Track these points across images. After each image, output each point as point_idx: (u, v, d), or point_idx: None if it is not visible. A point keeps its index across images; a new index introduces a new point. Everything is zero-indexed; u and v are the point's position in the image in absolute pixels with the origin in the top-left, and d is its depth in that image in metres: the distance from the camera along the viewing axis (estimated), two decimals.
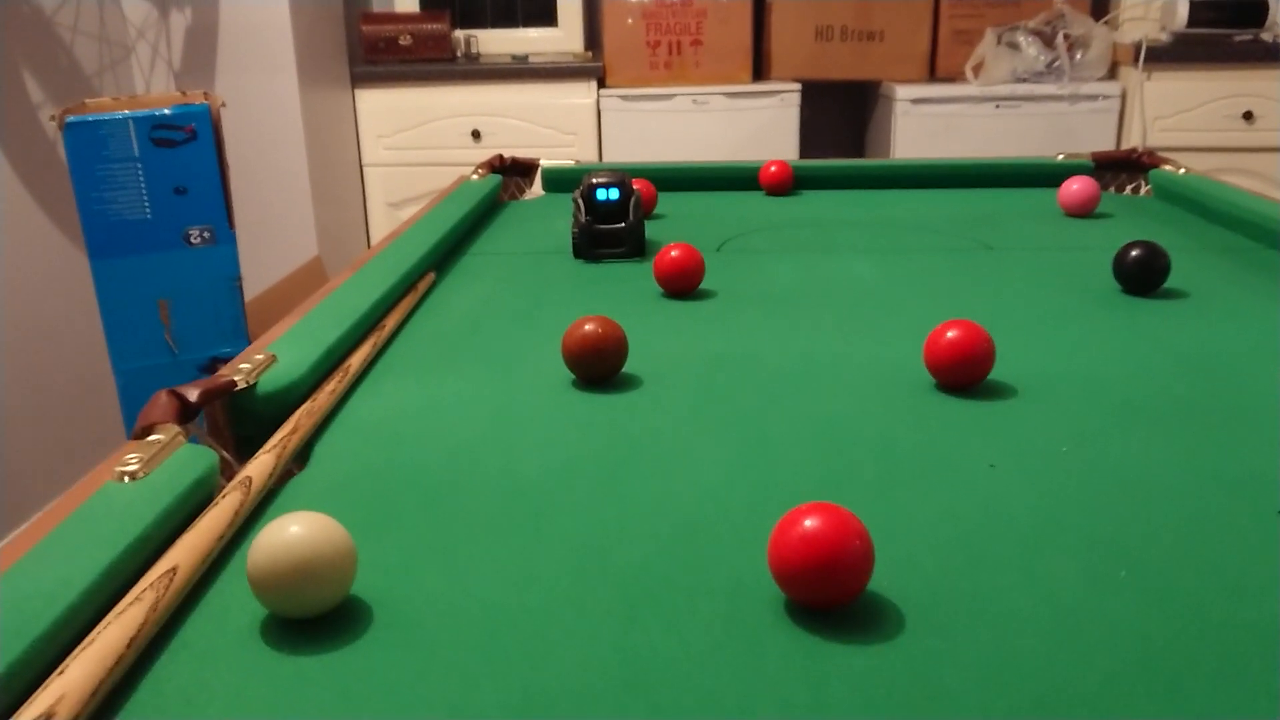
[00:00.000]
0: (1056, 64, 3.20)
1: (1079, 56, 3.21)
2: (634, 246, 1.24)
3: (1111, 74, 3.18)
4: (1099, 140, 3.16)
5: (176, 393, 0.69)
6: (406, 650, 0.50)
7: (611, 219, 1.23)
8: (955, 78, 3.24)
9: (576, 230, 1.24)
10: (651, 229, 1.43)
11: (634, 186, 1.25)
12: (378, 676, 0.48)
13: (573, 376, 0.86)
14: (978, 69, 3.21)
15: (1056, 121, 3.17)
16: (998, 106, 3.17)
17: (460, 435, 0.75)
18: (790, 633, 0.51)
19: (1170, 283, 1.10)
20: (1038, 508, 0.63)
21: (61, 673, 0.45)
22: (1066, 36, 3.21)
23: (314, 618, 0.53)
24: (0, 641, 0.46)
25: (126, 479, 0.60)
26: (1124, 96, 3.13)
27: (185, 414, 0.69)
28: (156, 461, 0.62)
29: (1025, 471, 0.68)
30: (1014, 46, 3.23)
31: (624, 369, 0.87)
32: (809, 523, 0.52)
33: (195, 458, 0.64)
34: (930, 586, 0.55)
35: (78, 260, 2.35)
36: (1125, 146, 3.17)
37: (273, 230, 2.86)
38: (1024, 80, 3.17)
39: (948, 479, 0.67)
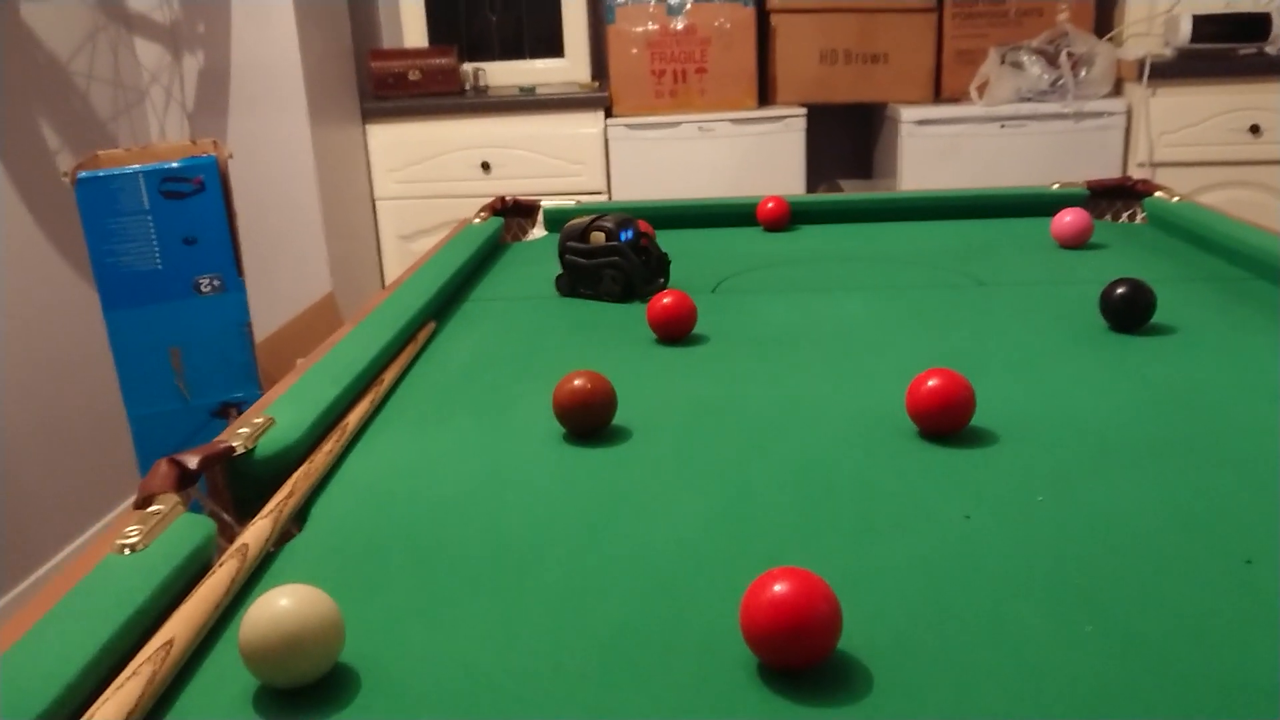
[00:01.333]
0: (1060, 82, 3.22)
1: (1083, 74, 3.22)
2: (625, 289, 1.27)
3: (1116, 91, 3.19)
4: (1105, 157, 3.17)
5: (177, 460, 0.72)
6: (391, 713, 0.52)
7: (602, 257, 1.27)
8: (960, 98, 3.26)
9: (620, 273, 1.26)
10: None
11: (633, 231, 1.28)
12: None
13: (562, 430, 0.88)
14: (982, 89, 3.23)
15: (1062, 140, 3.18)
16: (1003, 126, 3.19)
17: (449, 491, 0.78)
18: (760, 693, 0.53)
19: (1159, 316, 1.12)
20: (1010, 558, 0.65)
21: None
22: (1070, 54, 3.22)
23: (301, 687, 0.55)
24: (6, 717, 0.48)
25: (127, 551, 0.63)
26: (1129, 113, 3.14)
27: (185, 481, 0.72)
28: (156, 533, 0.65)
29: (1000, 521, 0.70)
30: (1018, 66, 3.25)
31: (614, 421, 0.90)
32: (777, 588, 0.54)
33: (193, 527, 0.66)
34: (899, 642, 0.57)
35: (90, 305, 2.40)
36: (1133, 161, 3.18)
37: (286, 267, 2.90)
38: (1028, 99, 3.18)
39: (923, 529, 0.69)
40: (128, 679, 0.53)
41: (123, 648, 0.56)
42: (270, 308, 2.84)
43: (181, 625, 0.58)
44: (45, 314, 2.22)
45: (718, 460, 0.81)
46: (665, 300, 1.10)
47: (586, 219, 1.28)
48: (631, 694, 0.53)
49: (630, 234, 1.26)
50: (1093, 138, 3.17)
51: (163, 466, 0.71)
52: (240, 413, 1.71)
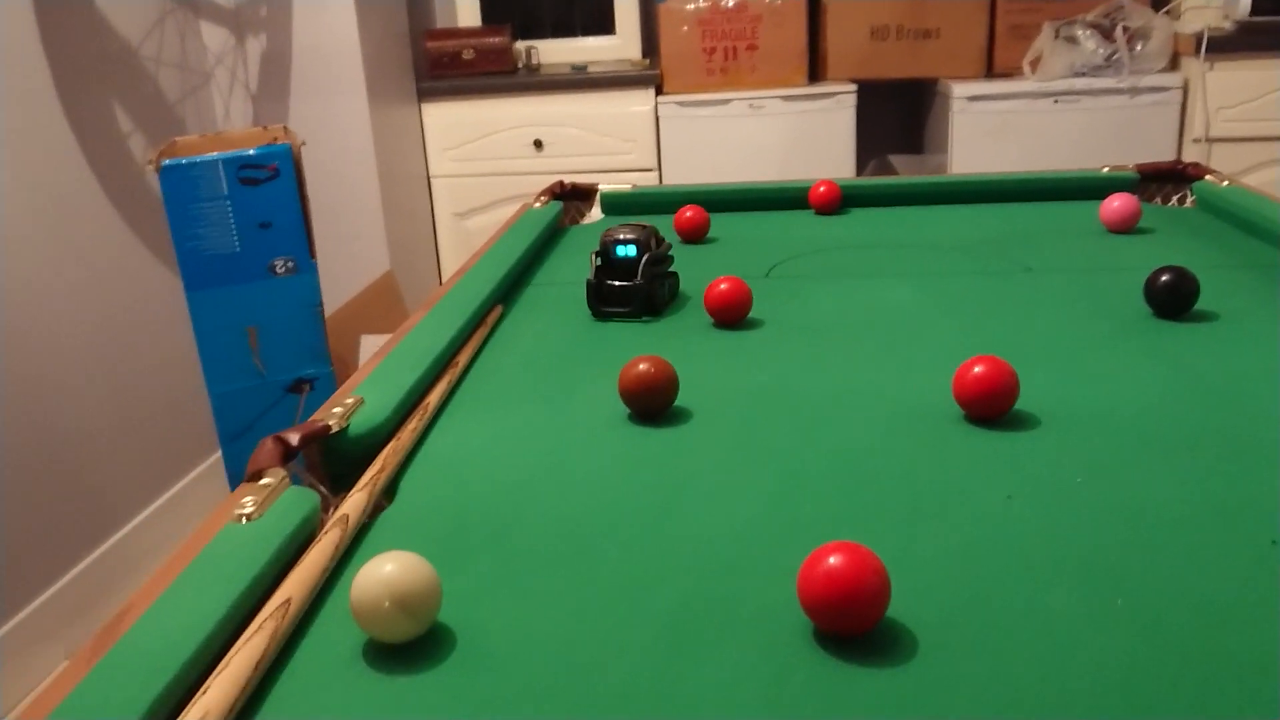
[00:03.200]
0: (1116, 57, 3.19)
1: (1139, 48, 3.19)
2: (641, 306, 1.20)
3: (1172, 65, 3.16)
4: (1160, 133, 3.15)
5: (280, 438, 0.79)
6: (481, 672, 0.59)
7: (626, 276, 1.20)
8: (1012, 74, 3.24)
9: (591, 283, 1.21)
10: (704, 253, 1.50)
11: (655, 243, 1.21)
12: (458, 694, 0.57)
13: (627, 410, 0.94)
14: (1035, 64, 3.21)
15: (1116, 116, 3.16)
16: (1056, 102, 3.17)
17: (521, 472, 0.84)
18: (816, 656, 0.59)
19: (1203, 303, 1.15)
20: (1047, 539, 0.70)
21: (204, 692, 0.55)
22: (1126, 28, 3.19)
23: (405, 643, 0.62)
24: (156, 666, 0.55)
25: (244, 520, 0.70)
26: (1185, 88, 3.11)
27: (288, 456, 0.79)
28: (268, 504, 0.72)
29: (1039, 503, 0.74)
30: (1072, 40, 3.22)
31: (677, 403, 0.95)
32: (832, 560, 0.60)
33: (301, 499, 0.73)
34: (942, 615, 0.62)
35: (163, 284, 2.51)
36: (1188, 137, 3.15)
37: (346, 245, 2.99)
38: (1082, 74, 3.16)
39: (966, 511, 0.74)
40: (254, 633, 0.60)
41: (248, 605, 0.63)
42: (332, 285, 2.92)
43: (296, 586, 0.65)
44: (120, 294, 2.33)
45: (772, 443, 0.87)
46: (722, 286, 1.16)
47: (626, 225, 1.23)
48: (697, 659, 0.59)
49: (631, 251, 1.19)
50: (1147, 113, 3.15)
51: (269, 444, 0.78)
52: (312, 388, 1.80)
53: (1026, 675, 0.56)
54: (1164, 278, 1.09)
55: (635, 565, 0.69)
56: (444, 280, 3.47)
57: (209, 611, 0.60)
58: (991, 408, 0.87)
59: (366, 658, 0.61)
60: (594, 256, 1.22)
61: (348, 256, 2.98)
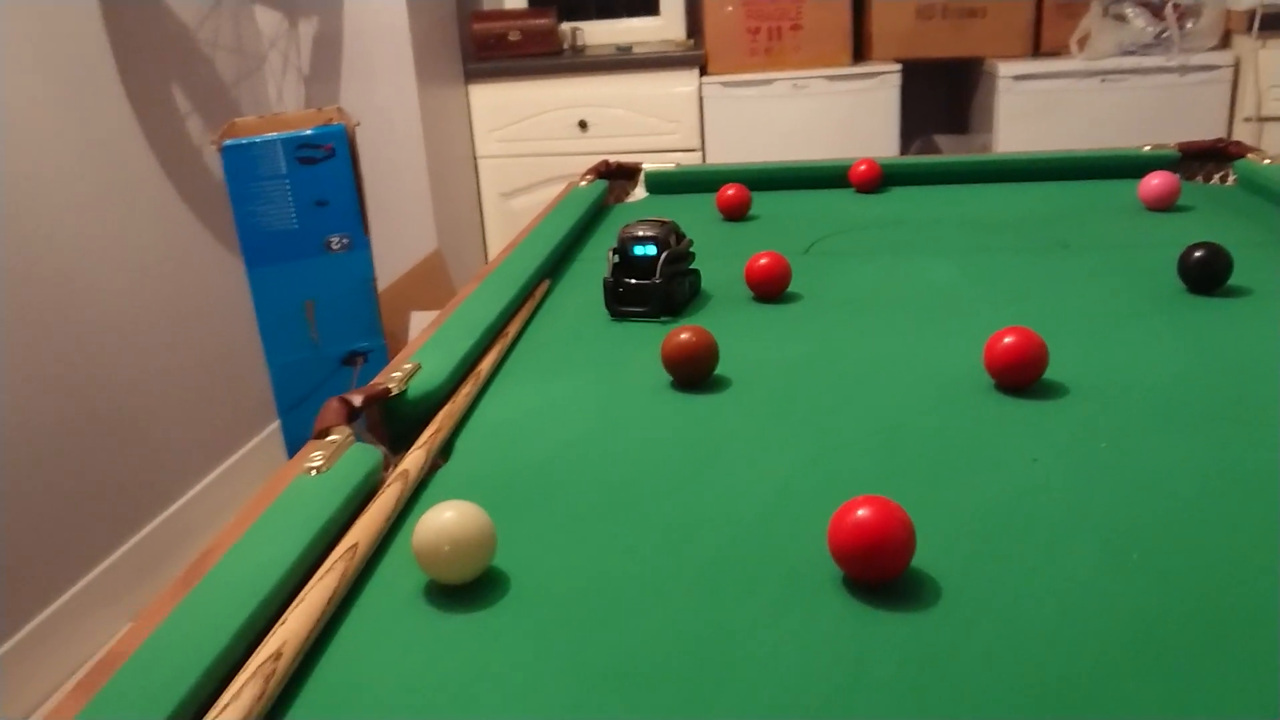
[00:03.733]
0: (1165, 35, 3.16)
1: (1189, 26, 3.15)
2: (659, 306, 1.16)
3: (1224, 43, 3.12)
4: (1209, 112, 3.11)
5: (345, 399, 0.85)
6: (535, 610, 0.64)
7: (644, 275, 1.16)
8: (1059, 52, 3.22)
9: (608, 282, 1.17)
10: (746, 230, 1.54)
11: (675, 239, 1.18)
12: (514, 630, 0.62)
13: (669, 379, 0.99)
14: (1082, 42, 3.19)
15: (1164, 94, 3.13)
16: (1103, 81, 3.15)
17: (571, 433, 0.89)
18: (844, 601, 0.63)
19: (1237, 279, 1.16)
20: (1068, 499, 0.73)
21: (283, 623, 0.60)
22: (1176, 6, 3.15)
23: (464, 584, 0.67)
24: (240, 597, 0.61)
25: (313, 472, 0.76)
26: (1237, 66, 3.07)
27: (352, 416, 0.85)
28: (335, 458, 0.77)
29: (1063, 466, 0.78)
30: (1120, 18, 3.19)
31: (716, 372, 1.00)
32: (861, 512, 0.64)
33: (365, 455, 0.79)
34: (965, 566, 0.66)
35: (219, 259, 2.59)
36: (1239, 116, 3.12)
37: (395, 224, 3.05)
38: (1131, 53, 3.13)
39: (993, 472, 0.78)
40: (326, 572, 0.66)
41: (320, 548, 0.68)
42: (380, 263, 3.00)
43: (363, 532, 0.70)
44: (180, 270, 2.41)
45: (809, 409, 0.91)
46: (762, 261, 1.19)
47: (646, 220, 1.19)
48: (734, 601, 0.64)
49: (651, 250, 1.15)
50: (1197, 92, 3.11)
51: (334, 404, 0.84)
52: (365, 361, 1.87)
53: (1041, 622, 0.60)
54: (1197, 254, 1.11)
55: (678, 517, 0.74)
56: (490, 259, 3.53)
57: (285, 552, 0.66)
58: (1020, 377, 0.90)
59: (427, 597, 0.66)
60: (611, 254, 1.17)
61: (396, 235, 3.05)
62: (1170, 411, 0.86)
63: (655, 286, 1.15)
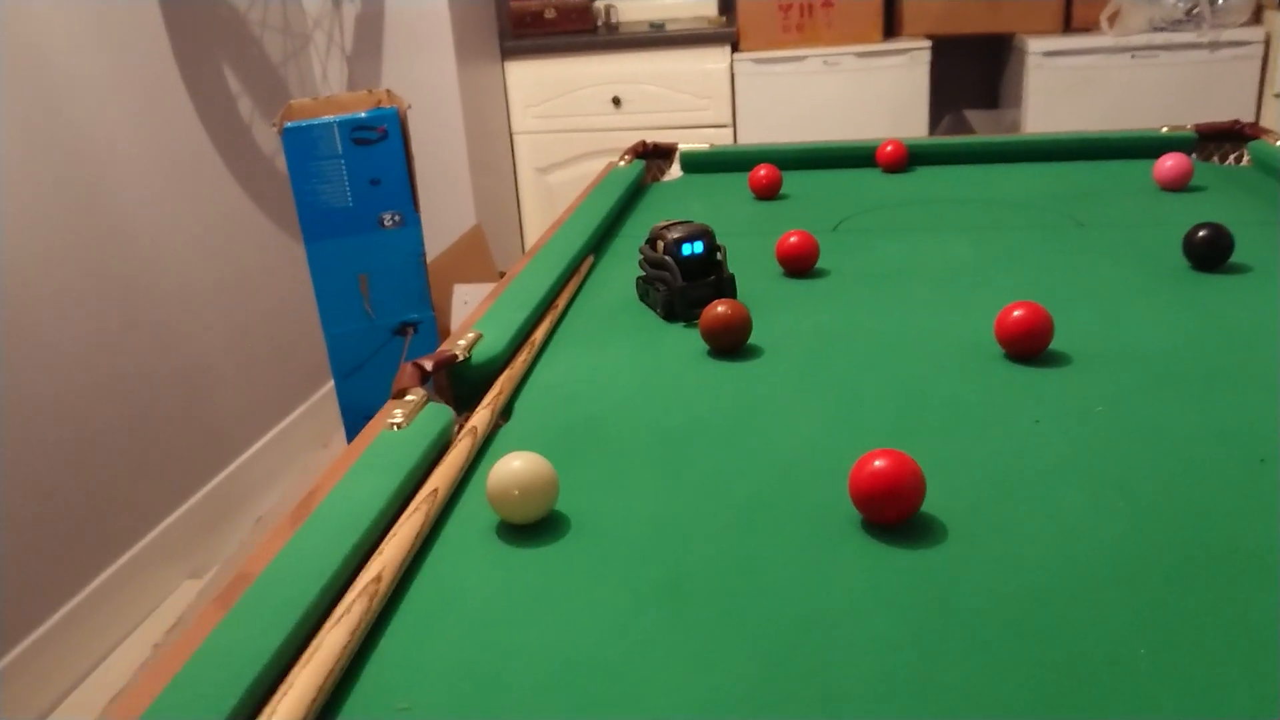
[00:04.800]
0: (1196, 10, 3.18)
1: (1220, 2, 3.17)
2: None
3: (1255, 19, 3.14)
4: (1239, 89, 3.14)
5: (418, 364, 0.95)
6: (593, 545, 0.74)
7: (699, 275, 1.17)
8: (1090, 29, 3.25)
9: (665, 291, 1.17)
10: (777, 209, 1.62)
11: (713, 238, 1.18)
12: (575, 562, 0.72)
13: (707, 348, 1.08)
14: (1113, 19, 3.22)
15: (1195, 71, 3.15)
16: (1134, 57, 3.18)
17: (622, 393, 0.99)
18: (858, 539, 0.73)
19: (1241, 257, 1.24)
20: (1066, 455, 0.82)
21: (380, 553, 0.71)
22: None
23: (531, 524, 0.77)
24: (342, 533, 0.71)
25: (395, 427, 0.86)
26: (1268, 42, 3.09)
27: (424, 379, 0.95)
28: (413, 416, 0.88)
29: (1063, 427, 0.87)
30: None
31: (749, 341, 1.09)
32: (878, 462, 0.73)
33: (438, 413, 0.89)
34: (970, 511, 0.75)
35: (269, 232, 2.71)
36: (1269, 92, 3.14)
37: (435, 199, 3.16)
38: (1161, 29, 3.16)
39: (998, 431, 0.87)
40: (412, 513, 0.76)
41: (406, 491, 0.79)
42: (426, 238, 3.10)
43: (441, 479, 0.81)
44: (233, 243, 2.53)
45: (834, 374, 1.00)
46: (792, 239, 1.28)
47: (666, 223, 1.19)
48: (766, 537, 0.74)
49: (699, 249, 1.16)
50: (1227, 69, 3.14)
51: (409, 368, 0.94)
52: (416, 331, 1.97)
53: (1039, 557, 0.69)
54: (1201, 233, 1.18)
55: (717, 466, 0.84)
56: (526, 233, 3.63)
57: (378, 493, 0.76)
58: (1028, 347, 0.99)
59: (499, 535, 0.77)
60: (664, 259, 1.16)
61: (437, 211, 3.15)
62: (1165, 378, 0.94)
63: (665, 284, 1.17)
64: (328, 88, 3.10)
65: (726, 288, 1.19)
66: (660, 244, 1.17)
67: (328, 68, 3.11)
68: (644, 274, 1.21)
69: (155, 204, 2.22)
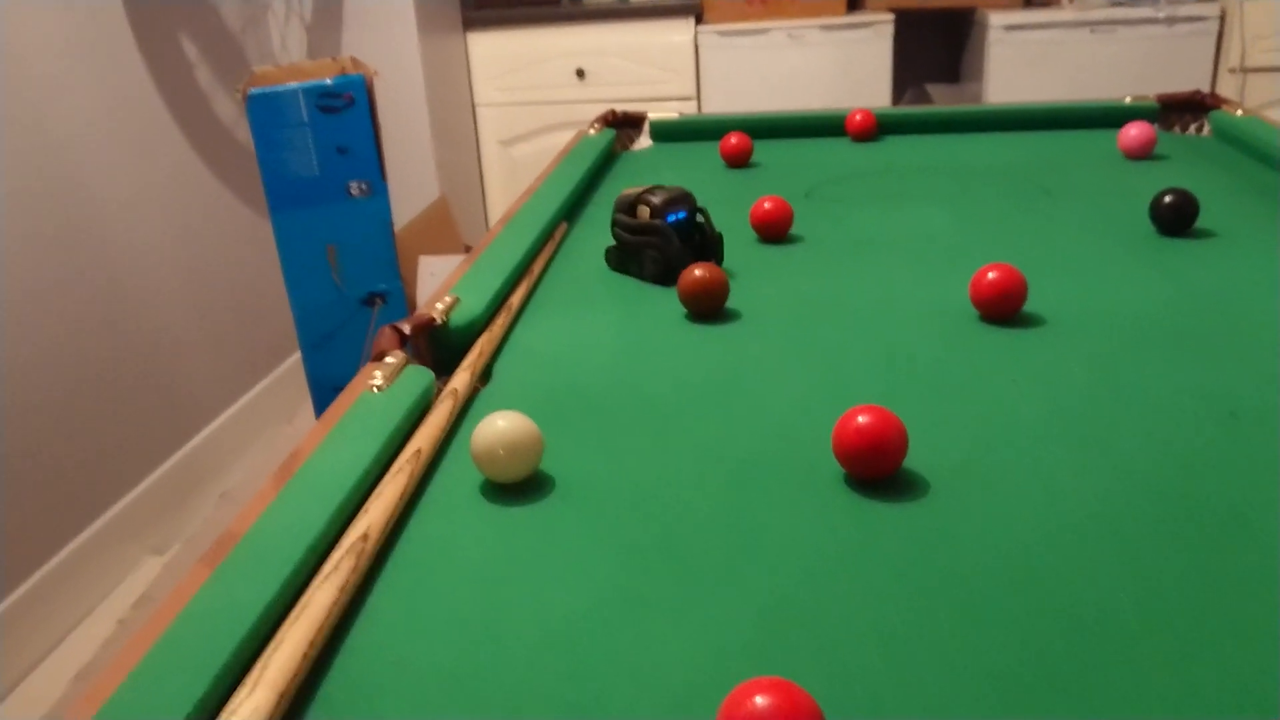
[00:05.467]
0: None
1: None
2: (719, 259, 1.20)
3: None
4: (1195, 64, 3.18)
5: (396, 328, 0.94)
6: (581, 504, 0.74)
7: (684, 238, 1.17)
8: (1050, 3, 3.28)
9: (657, 255, 1.16)
10: (748, 177, 1.63)
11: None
12: (563, 521, 0.72)
13: (685, 312, 1.08)
14: None
15: (1152, 46, 3.20)
16: (1093, 31, 3.21)
17: (601, 356, 0.99)
18: (847, 495, 0.73)
19: (1206, 223, 1.26)
20: (1043, 413, 0.83)
21: (365, 512, 0.70)
22: None
23: (515, 484, 0.77)
24: (328, 493, 0.71)
25: (376, 389, 0.85)
26: (1223, 18, 3.14)
27: (401, 342, 0.94)
28: (393, 378, 0.87)
29: (1040, 386, 0.88)
30: None
31: (726, 306, 1.09)
32: (861, 419, 0.74)
33: (419, 375, 0.88)
34: (952, 467, 0.76)
35: (235, 202, 2.66)
36: (1224, 67, 3.19)
37: (397, 171, 3.11)
38: (1120, 4, 3.19)
39: (978, 390, 0.88)
40: (397, 473, 0.75)
41: (389, 452, 0.78)
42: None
43: (425, 439, 0.80)
44: (198, 212, 2.49)
45: (813, 338, 1.01)
46: (766, 205, 1.28)
47: (638, 190, 1.19)
48: (755, 496, 0.74)
49: (683, 214, 1.17)
50: (1184, 43, 3.18)
51: (387, 331, 0.93)
52: (384, 302, 1.96)
53: (1024, 511, 0.70)
54: (1167, 198, 1.20)
55: (703, 429, 0.84)
56: (490, 207, 3.60)
57: (362, 453, 0.76)
58: (1003, 308, 1.00)
59: (484, 494, 0.76)
60: (629, 223, 1.17)
61: (398, 183, 3.11)
62: (1137, 339, 0.96)
63: (655, 249, 1.17)
64: (287, 56, 3.04)
65: (718, 247, 1.19)
66: (647, 210, 1.17)
67: (286, 37, 3.05)
68: (623, 241, 1.20)
69: (116, 174, 2.17)
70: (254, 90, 1.72)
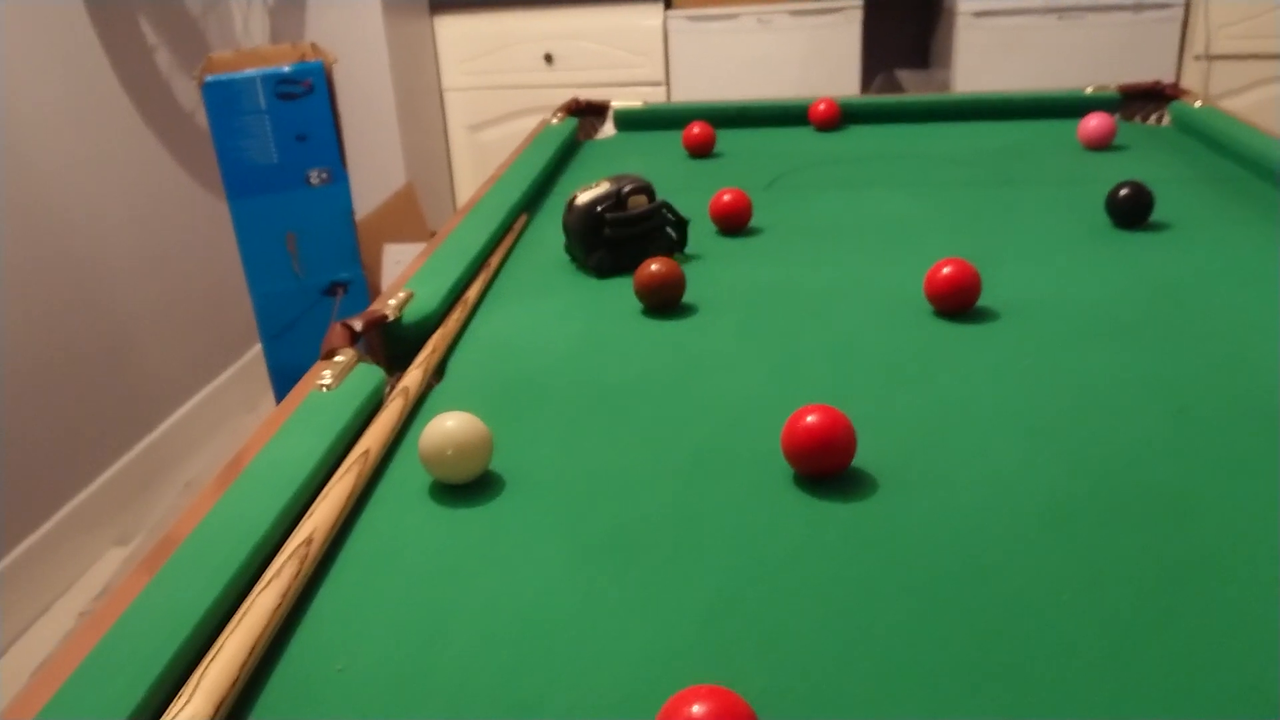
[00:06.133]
0: None
1: None
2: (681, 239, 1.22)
3: None
4: (1160, 51, 3.20)
5: (347, 324, 0.93)
6: (531, 501, 0.74)
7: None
8: None
9: (676, 226, 1.19)
10: (711, 167, 1.62)
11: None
12: (512, 519, 0.72)
13: (641, 306, 1.08)
14: None
15: (1119, 33, 3.21)
16: (1060, 18, 3.23)
17: (557, 351, 0.98)
18: (796, 491, 0.74)
19: (1161, 214, 1.27)
20: (995, 405, 0.84)
21: (311, 515, 0.70)
22: None
23: (465, 484, 0.76)
24: (272, 495, 0.70)
25: (325, 389, 0.84)
26: (1188, 5, 3.16)
27: (354, 339, 0.93)
28: (343, 377, 0.86)
29: (991, 378, 0.88)
30: None
31: (684, 299, 1.09)
32: (809, 418, 0.74)
33: (369, 373, 0.88)
34: (902, 461, 0.77)
35: (195, 189, 2.63)
36: (1189, 54, 3.21)
37: (364, 157, 3.09)
38: None
39: (930, 383, 0.88)
40: (344, 473, 0.75)
41: (336, 453, 0.78)
42: (353, 196, 3.04)
43: (373, 440, 0.80)
44: (157, 200, 2.45)
45: (769, 330, 1.01)
46: (726, 197, 1.28)
47: (589, 192, 1.18)
48: (706, 491, 0.74)
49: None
50: (1150, 30, 3.20)
51: (338, 328, 0.92)
52: (346, 291, 1.94)
53: (971, 504, 0.71)
54: (1122, 191, 1.21)
55: (655, 423, 0.84)
56: (458, 192, 3.57)
57: (307, 454, 0.75)
58: (957, 303, 1.00)
59: (433, 495, 0.76)
60: (620, 217, 1.16)
61: (366, 169, 3.08)
62: (1089, 331, 0.97)
63: (667, 224, 1.21)
64: (249, 40, 3.00)
65: (686, 229, 1.23)
66: (644, 197, 1.19)
67: (249, 20, 3.00)
68: (625, 238, 1.18)
69: (74, 161, 2.14)
70: (210, 77, 1.70)
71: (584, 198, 1.17)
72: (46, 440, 2.07)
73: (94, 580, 2.13)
